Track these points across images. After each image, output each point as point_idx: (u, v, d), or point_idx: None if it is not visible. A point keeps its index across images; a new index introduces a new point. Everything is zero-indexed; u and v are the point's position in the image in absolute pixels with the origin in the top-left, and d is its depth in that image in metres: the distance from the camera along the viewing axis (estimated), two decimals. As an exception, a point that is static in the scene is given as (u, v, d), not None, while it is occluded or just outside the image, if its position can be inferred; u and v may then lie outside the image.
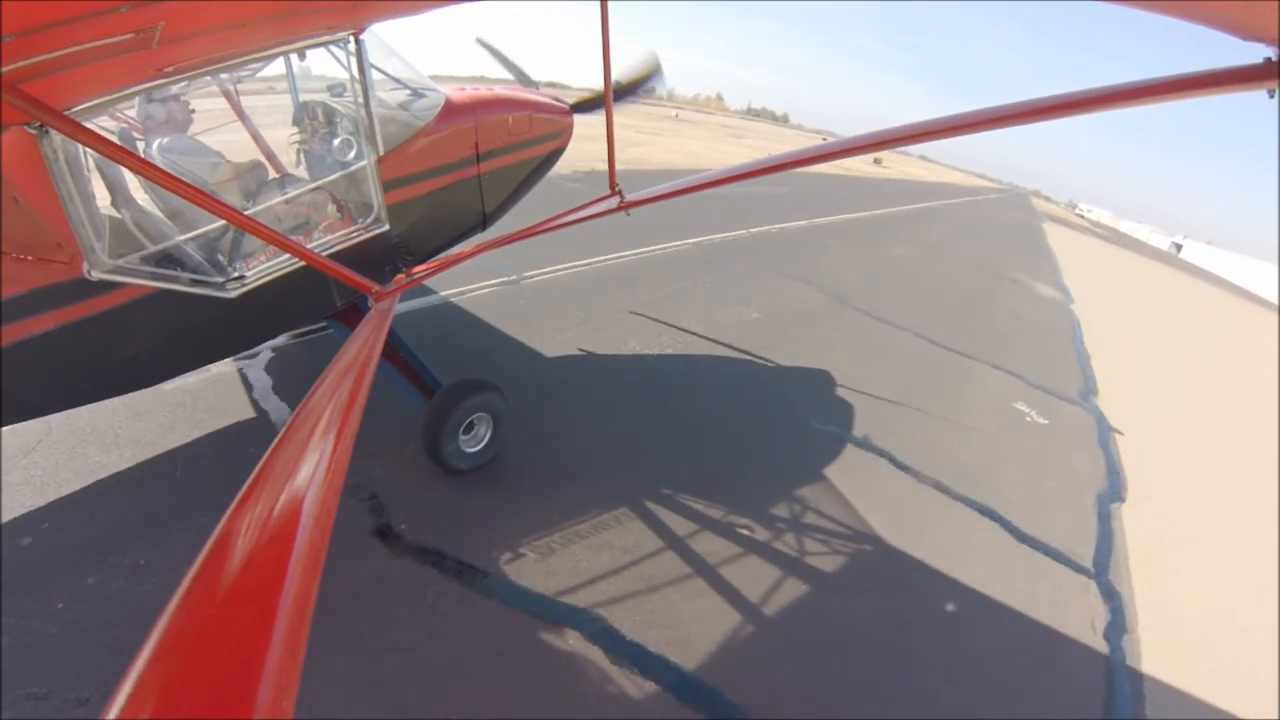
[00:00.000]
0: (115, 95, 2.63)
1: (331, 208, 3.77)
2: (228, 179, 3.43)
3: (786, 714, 2.91)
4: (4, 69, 1.51)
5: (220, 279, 3.12)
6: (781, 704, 2.95)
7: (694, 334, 6.93)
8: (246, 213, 2.94)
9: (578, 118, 5.12)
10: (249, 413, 4.23)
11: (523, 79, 4.81)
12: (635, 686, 2.85)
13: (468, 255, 3.91)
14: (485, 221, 4.60)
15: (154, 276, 2.91)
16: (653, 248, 9.91)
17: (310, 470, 1.44)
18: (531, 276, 7.51)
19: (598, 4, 3.30)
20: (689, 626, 3.21)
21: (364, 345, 2.29)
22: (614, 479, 4.26)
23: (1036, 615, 3.89)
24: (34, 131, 2.37)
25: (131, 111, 3.55)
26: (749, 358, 6.69)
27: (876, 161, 48.25)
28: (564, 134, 4.95)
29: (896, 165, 61.06)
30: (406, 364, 3.94)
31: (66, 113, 2.35)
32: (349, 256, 3.49)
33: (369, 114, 3.39)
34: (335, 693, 2.59)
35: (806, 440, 5.33)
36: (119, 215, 3.06)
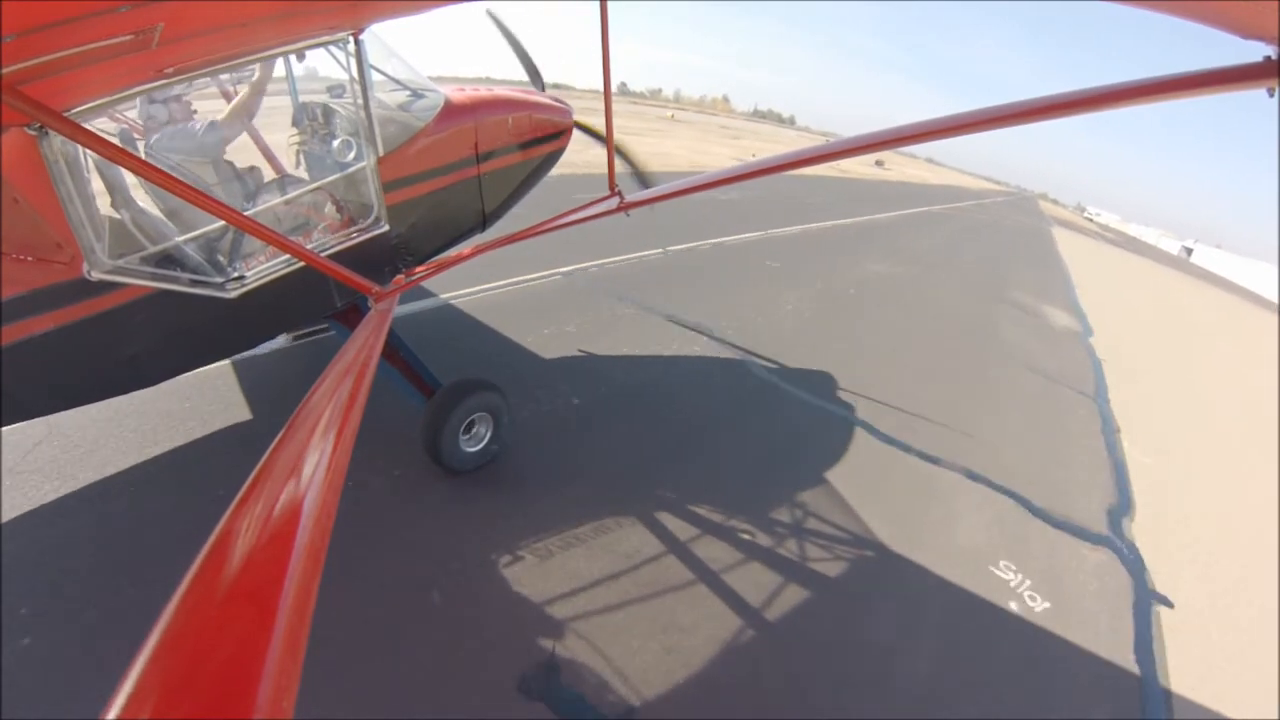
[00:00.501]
0: (115, 96, 2.63)
1: (331, 208, 3.77)
2: (227, 177, 3.42)
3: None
4: (4, 70, 1.51)
5: (220, 279, 3.12)
6: (783, 711, 2.94)
7: (694, 330, 6.92)
8: (246, 213, 2.94)
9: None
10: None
11: (530, 68, 4.69)
12: (634, 695, 2.83)
13: (467, 256, 3.90)
14: (485, 222, 4.60)
15: (154, 277, 2.92)
16: (527, 277, 7.48)
17: (310, 470, 1.44)
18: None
19: (598, 4, 3.30)
20: (690, 633, 3.19)
21: (364, 345, 2.29)
22: (614, 482, 4.26)
23: (1044, 623, 3.87)
24: (34, 133, 2.37)
25: (132, 112, 3.56)
26: (750, 360, 6.69)
27: (878, 164, 47.75)
28: (564, 134, 4.95)
29: (899, 168, 59.77)
30: (406, 364, 3.94)
31: (66, 114, 2.35)
32: (349, 257, 3.49)
33: (369, 115, 3.40)
34: (335, 693, 2.59)
35: (807, 442, 5.33)
36: (119, 216, 3.06)
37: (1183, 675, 3.69)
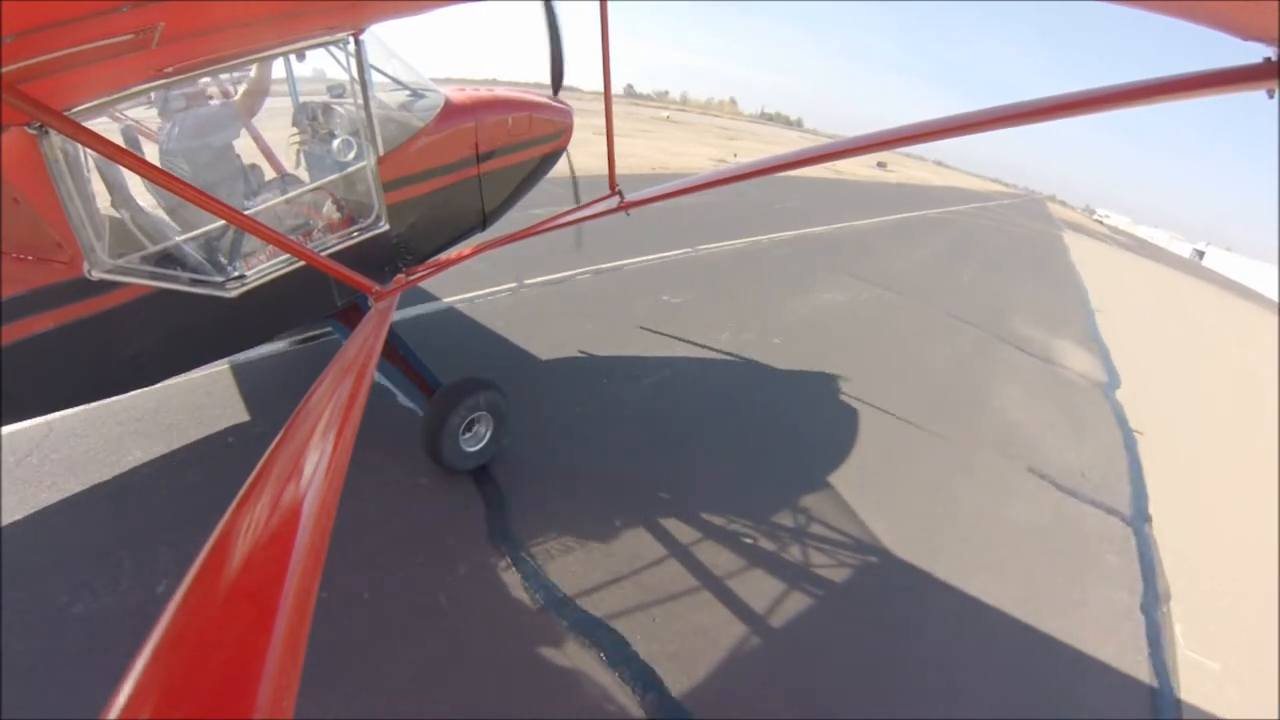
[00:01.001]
0: (115, 96, 2.63)
1: (331, 208, 3.77)
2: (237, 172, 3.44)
3: None
4: (4, 69, 1.51)
5: (220, 279, 3.12)
6: (785, 717, 2.93)
7: (697, 344, 6.93)
8: (246, 213, 2.95)
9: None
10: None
11: (557, 70, 4.56)
12: (634, 702, 2.81)
13: (467, 255, 3.90)
14: (485, 222, 4.60)
15: (154, 276, 2.92)
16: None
17: (310, 470, 1.44)
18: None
19: (598, 5, 3.29)
20: (692, 639, 3.17)
21: (364, 345, 2.29)
22: (615, 484, 4.25)
23: (1049, 629, 3.85)
24: (34, 132, 2.37)
25: (137, 110, 3.56)
26: (753, 363, 6.68)
27: (880, 165, 46.83)
28: (564, 134, 4.95)
29: (903, 169, 57.76)
30: (406, 363, 3.94)
31: (66, 113, 2.35)
32: (349, 256, 3.49)
33: (369, 115, 3.40)
34: (333, 695, 2.59)
35: (813, 450, 5.33)
36: (119, 215, 3.06)
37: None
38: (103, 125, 3.02)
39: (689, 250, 10.49)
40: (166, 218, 3.32)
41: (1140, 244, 58.90)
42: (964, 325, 10.06)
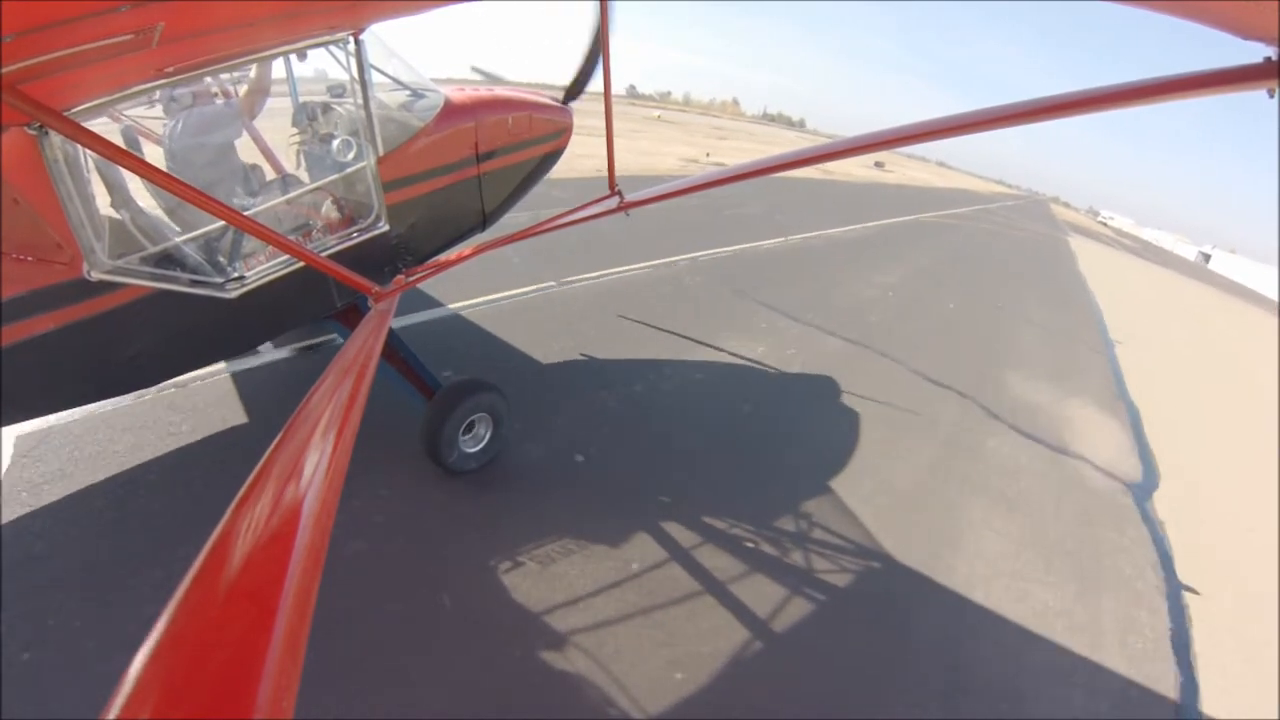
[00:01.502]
0: (115, 96, 2.63)
1: (331, 208, 3.77)
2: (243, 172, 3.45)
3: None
4: (4, 70, 1.51)
5: (220, 279, 3.12)
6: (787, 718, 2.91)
7: (696, 341, 6.92)
8: (246, 213, 2.95)
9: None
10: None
11: (585, 74, 4.52)
12: (636, 708, 2.80)
13: (468, 256, 3.90)
14: (485, 222, 4.60)
15: (154, 277, 2.91)
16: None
17: (310, 470, 1.44)
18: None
19: (599, 5, 3.30)
20: (691, 643, 3.15)
21: (364, 345, 2.29)
22: (616, 487, 4.24)
23: (1054, 634, 3.82)
24: (34, 132, 2.37)
25: (138, 109, 3.57)
26: (754, 368, 6.69)
27: (878, 165, 46.03)
28: (564, 134, 4.96)
29: (902, 170, 55.00)
30: (406, 364, 3.94)
31: (66, 113, 2.35)
32: (349, 257, 3.49)
33: (369, 115, 3.40)
34: (331, 697, 2.59)
35: (812, 453, 5.33)
36: (119, 216, 3.06)
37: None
38: (103, 125, 3.03)
39: (549, 285, 7.31)
40: (166, 218, 3.32)
41: (1146, 247, 57.66)
42: (939, 394, 6.85)
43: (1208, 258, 59.47)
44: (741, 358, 6.63)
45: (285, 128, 4.29)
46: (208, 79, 3.33)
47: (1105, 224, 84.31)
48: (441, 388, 3.79)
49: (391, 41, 3.85)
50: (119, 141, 3.15)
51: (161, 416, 4.03)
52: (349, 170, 3.57)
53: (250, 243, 3.27)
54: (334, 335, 4.94)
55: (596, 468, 4.36)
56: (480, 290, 6.71)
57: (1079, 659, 3.66)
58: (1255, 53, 1.22)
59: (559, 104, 4.88)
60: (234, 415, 4.16)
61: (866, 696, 3.12)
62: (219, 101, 3.42)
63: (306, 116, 4.09)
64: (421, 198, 3.89)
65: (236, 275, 3.16)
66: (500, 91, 4.61)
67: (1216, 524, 5.82)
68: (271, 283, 3.27)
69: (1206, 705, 3.60)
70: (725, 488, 4.44)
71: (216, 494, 3.37)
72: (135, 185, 3.14)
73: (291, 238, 3.32)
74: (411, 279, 3.65)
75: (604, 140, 3.70)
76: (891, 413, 6.14)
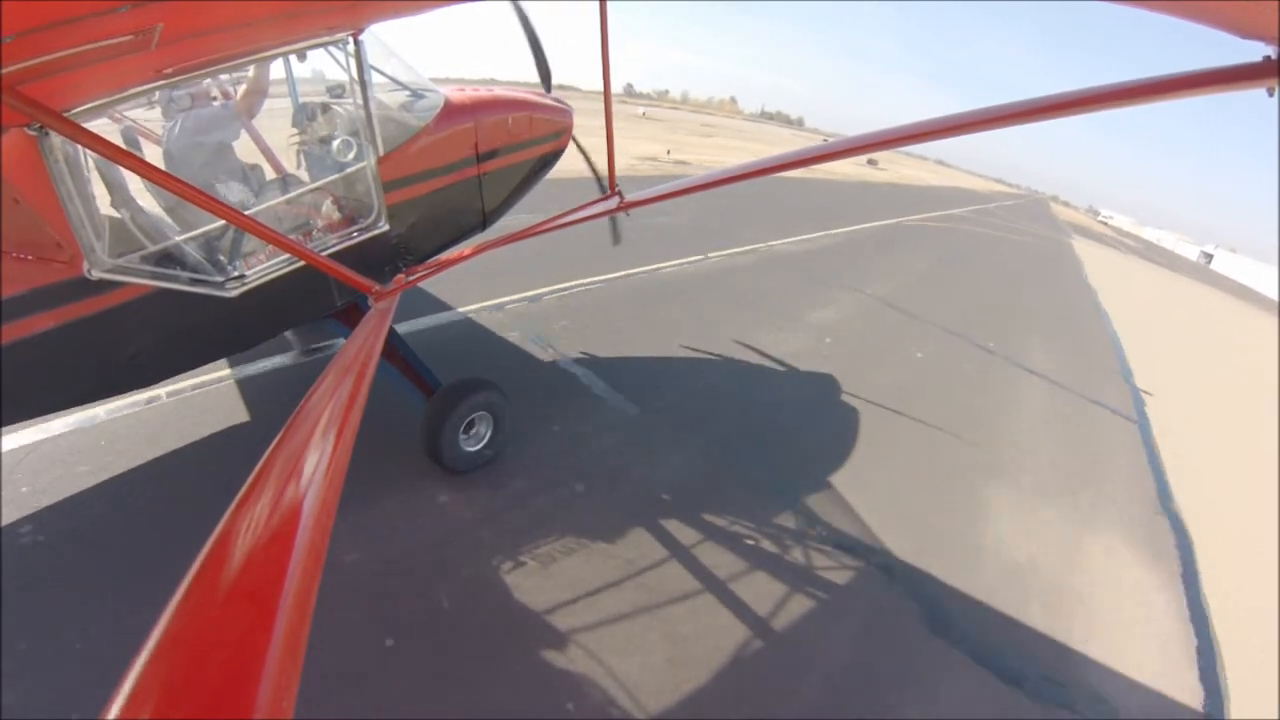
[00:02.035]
0: (115, 96, 2.63)
1: (331, 208, 3.77)
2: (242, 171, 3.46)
3: None
4: (4, 70, 1.51)
5: (220, 278, 3.12)
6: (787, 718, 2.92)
7: (695, 347, 6.93)
8: (246, 213, 2.95)
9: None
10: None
11: (543, 68, 4.57)
12: (637, 706, 2.80)
13: (468, 256, 3.90)
14: (485, 222, 4.60)
15: (154, 276, 2.92)
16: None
17: (310, 470, 1.44)
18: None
19: (598, 5, 3.29)
20: (692, 641, 3.16)
21: (364, 345, 2.29)
22: (616, 486, 4.25)
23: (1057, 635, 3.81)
24: (34, 133, 2.37)
25: (133, 111, 3.57)
26: (755, 366, 6.69)
27: (871, 162, 44.99)
28: (564, 134, 4.96)
29: (897, 168, 52.75)
30: (406, 363, 3.94)
31: (66, 114, 2.35)
32: (349, 257, 3.50)
33: (369, 115, 3.40)
34: (330, 696, 2.59)
35: (814, 449, 5.33)
36: (119, 215, 3.07)
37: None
38: (103, 125, 3.03)
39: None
40: (166, 218, 3.32)
41: (1150, 248, 56.52)
42: (855, 581, 3.92)
43: (1210, 258, 58.76)
44: (751, 358, 6.61)
45: (285, 128, 4.29)
46: (207, 80, 3.32)
47: (1105, 223, 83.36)
48: (441, 386, 3.79)
49: (391, 41, 3.86)
50: (119, 142, 3.16)
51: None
52: (349, 170, 3.57)
53: (250, 242, 3.27)
54: (338, 339, 4.93)
55: (598, 466, 4.36)
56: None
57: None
58: (1255, 52, 1.22)
59: (560, 104, 4.88)
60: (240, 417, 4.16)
61: (866, 694, 3.13)
62: (217, 103, 3.42)
63: (307, 116, 4.09)
64: (422, 198, 3.89)
65: (237, 274, 3.16)
66: (500, 91, 4.61)
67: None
68: (272, 282, 3.27)
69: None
70: (726, 483, 4.44)
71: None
72: (135, 185, 3.15)
73: (292, 237, 3.32)
74: (412, 278, 3.65)
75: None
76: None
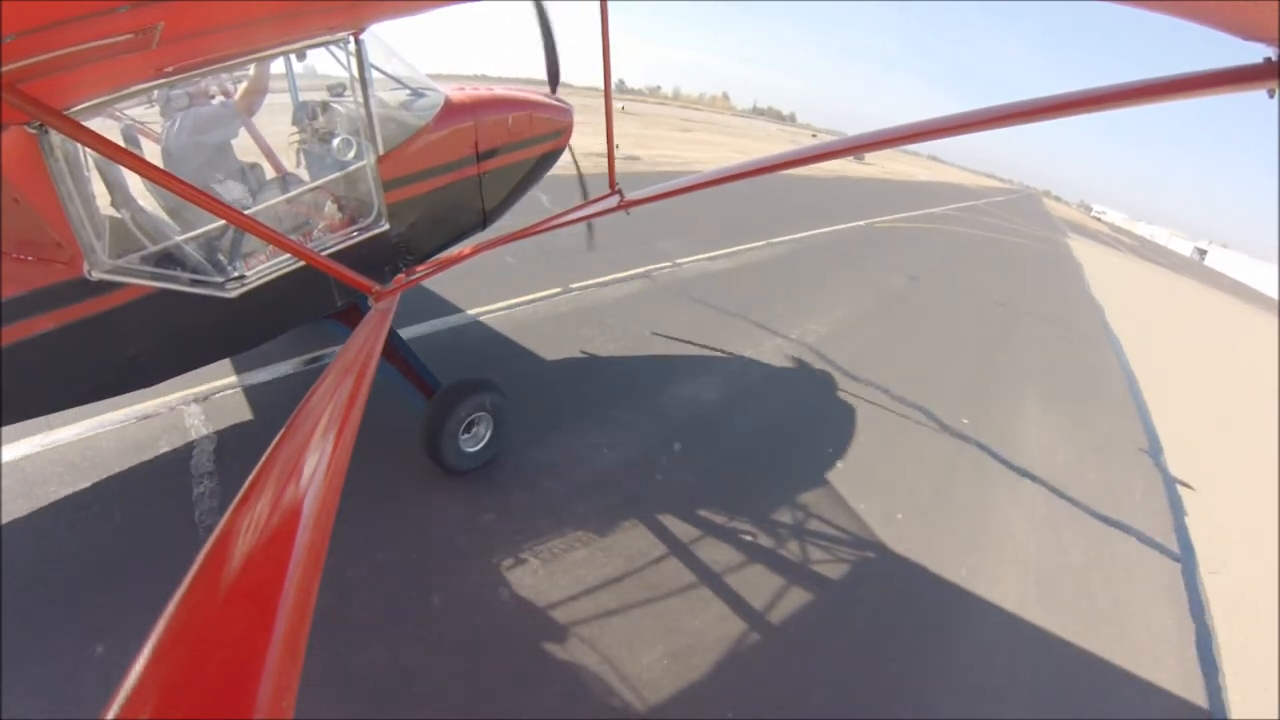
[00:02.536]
0: (115, 95, 2.63)
1: (331, 207, 3.77)
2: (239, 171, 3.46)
3: None
4: (4, 69, 1.51)
5: (220, 279, 3.12)
6: (785, 715, 2.93)
7: (693, 342, 6.92)
8: (246, 212, 2.95)
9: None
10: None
11: (553, 66, 4.55)
12: (638, 698, 2.81)
13: (468, 255, 3.91)
14: (485, 221, 4.60)
15: (154, 276, 2.92)
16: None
17: (310, 470, 1.45)
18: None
19: (598, 5, 3.30)
20: (692, 636, 3.18)
21: (364, 345, 2.29)
22: (616, 483, 4.25)
23: (1057, 631, 3.80)
24: (34, 131, 2.37)
25: (137, 109, 3.57)
26: (755, 364, 6.69)
27: (859, 158, 44.46)
28: (564, 133, 4.96)
29: (888, 163, 48.40)
30: (406, 363, 3.94)
31: (66, 112, 2.35)
32: (349, 256, 3.50)
33: (369, 114, 3.40)
34: (330, 696, 2.59)
35: (811, 446, 5.33)
36: (119, 215, 3.07)
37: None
38: (103, 125, 3.03)
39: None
40: (166, 218, 3.32)
41: (1145, 244, 55.65)
42: None
43: (1204, 254, 58.25)
44: (749, 356, 6.60)
45: (285, 127, 4.29)
46: (206, 79, 3.33)
47: (1099, 219, 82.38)
48: (441, 387, 3.79)
49: (391, 41, 3.85)
50: (119, 141, 3.16)
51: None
52: (349, 169, 3.57)
53: (250, 242, 3.27)
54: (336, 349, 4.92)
55: (598, 464, 4.36)
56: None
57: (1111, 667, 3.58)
58: (1255, 53, 1.22)
59: (560, 102, 4.88)
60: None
61: (866, 690, 3.13)
62: (216, 101, 3.42)
63: (307, 115, 4.09)
64: (422, 197, 3.89)
65: (237, 274, 3.16)
66: (500, 90, 4.61)
67: None
68: (272, 282, 3.27)
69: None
70: (725, 480, 4.44)
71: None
72: (135, 185, 3.15)
73: (292, 237, 3.33)
74: (412, 278, 3.65)
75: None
76: None
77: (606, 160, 3.86)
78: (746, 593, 3.51)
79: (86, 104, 2.52)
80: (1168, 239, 68.58)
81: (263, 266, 3.24)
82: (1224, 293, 31.21)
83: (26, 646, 2.56)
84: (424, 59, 4.33)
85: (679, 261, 9.29)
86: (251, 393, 4.46)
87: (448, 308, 6.26)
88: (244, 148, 4.03)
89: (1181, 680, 3.68)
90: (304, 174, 4.00)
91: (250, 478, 1.40)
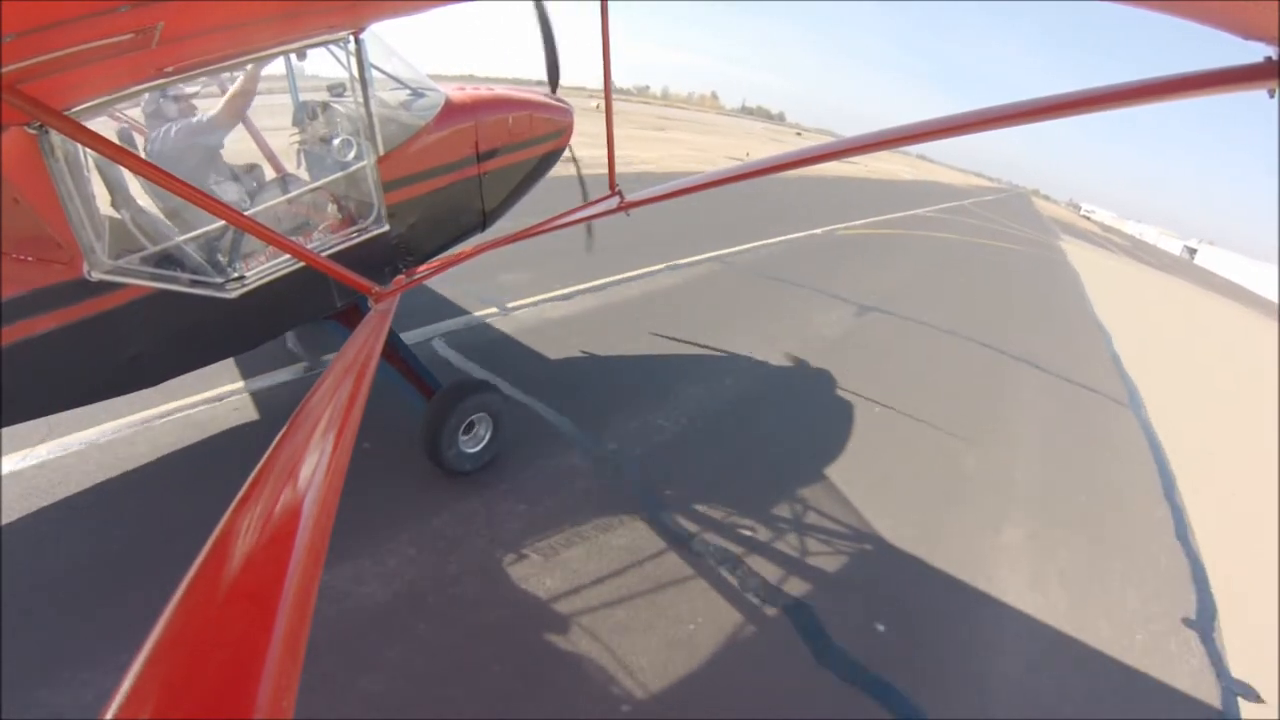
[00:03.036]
0: (115, 95, 2.63)
1: (332, 208, 3.77)
2: (229, 176, 3.44)
3: (790, 715, 2.91)
4: (4, 69, 1.51)
5: (220, 279, 3.12)
6: (785, 707, 2.95)
7: (691, 342, 6.92)
8: (246, 213, 2.95)
9: None
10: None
11: (553, 65, 4.55)
12: (640, 688, 2.85)
13: (468, 255, 3.91)
14: (485, 221, 4.60)
15: (154, 277, 2.92)
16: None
17: (310, 470, 1.45)
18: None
19: (598, 4, 3.30)
20: (692, 628, 3.21)
21: (364, 345, 2.29)
22: (616, 480, 4.26)
23: (1055, 623, 3.82)
24: (34, 132, 2.37)
25: (134, 110, 3.56)
26: (753, 362, 6.69)
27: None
28: (564, 134, 4.96)
29: (870, 161, 43.76)
30: (406, 365, 3.94)
31: (66, 113, 2.35)
32: (349, 257, 3.50)
33: (369, 114, 3.40)
34: (330, 694, 2.59)
35: (809, 440, 5.33)
36: (119, 215, 3.07)
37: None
38: (102, 125, 3.03)
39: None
40: (166, 218, 3.32)
41: (1136, 244, 54.62)
42: None
43: (1194, 253, 57.49)
44: (746, 353, 6.60)
45: (285, 127, 4.29)
46: (189, 90, 3.31)
47: (1088, 218, 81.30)
48: (441, 387, 3.79)
49: (391, 41, 3.85)
50: (118, 141, 3.15)
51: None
52: (349, 170, 3.57)
53: (250, 243, 3.27)
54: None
55: (597, 461, 4.37)
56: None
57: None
58: (1255, 53, 1.22)
59: (560, 103, 4.89)
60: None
61: (865, 681, 3.13)
62: (194, 119, 3.32)
63: (307, 116, 4.09)
64: (422, 197, 3.89)
65: (236, 275, 3.16)
66: (500, 90, 4.61)
67: None
68: (271, 283, 3.27)
69: None
70: (724, 477, 4.44)
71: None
72: (135, 185, 3.15)
73: (291, 238, 3.32)
74: (412, 279, 3.65)
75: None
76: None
77: (606, 161, 3.86)
78: (746, 585, 3.54)
79: (86, 104, 2.52)
80: (1157, 237, 68.02)
81: (262, 267, 3.24)
82: (1230, 298, 28.77)
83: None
84: (424, 59, 4.33)
85: (511, 306, 6.62)
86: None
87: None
88: (244, 148, 4.03)
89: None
90: (304, 174, 4.00)
91: (250, 478, 1.40)
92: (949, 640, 3.57)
